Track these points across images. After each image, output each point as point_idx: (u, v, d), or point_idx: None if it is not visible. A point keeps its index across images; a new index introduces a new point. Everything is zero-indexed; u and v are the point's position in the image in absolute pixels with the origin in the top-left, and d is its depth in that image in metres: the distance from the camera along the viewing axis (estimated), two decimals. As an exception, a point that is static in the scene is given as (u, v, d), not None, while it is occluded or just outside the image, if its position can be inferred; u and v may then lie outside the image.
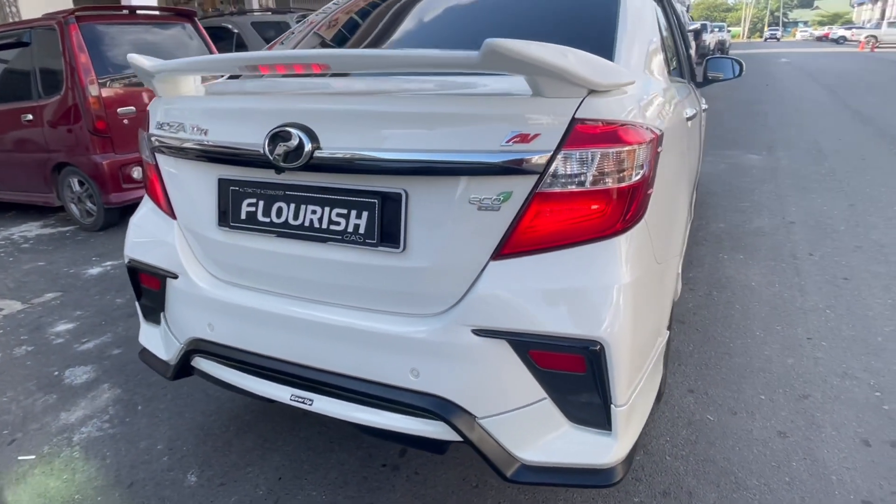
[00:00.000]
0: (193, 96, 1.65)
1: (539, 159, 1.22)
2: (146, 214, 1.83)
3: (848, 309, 2.88)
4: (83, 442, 2.14)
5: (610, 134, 1.23)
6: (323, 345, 1.47)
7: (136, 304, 1.97)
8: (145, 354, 1.94)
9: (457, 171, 1.26)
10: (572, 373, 1.30)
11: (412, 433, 1.43)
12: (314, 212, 1.44)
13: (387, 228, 1.36)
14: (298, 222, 1.46)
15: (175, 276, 1.70)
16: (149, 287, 1.85)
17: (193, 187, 1.62)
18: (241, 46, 6.98)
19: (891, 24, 35.16)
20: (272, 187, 1.48)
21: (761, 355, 2.50)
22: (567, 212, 1.25)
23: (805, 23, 47.58)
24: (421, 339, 1.35)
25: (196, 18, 5.34)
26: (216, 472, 1.96)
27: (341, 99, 1.39)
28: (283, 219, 1.48)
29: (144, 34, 4.94)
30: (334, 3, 2.41)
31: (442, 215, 1.31)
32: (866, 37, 31.83)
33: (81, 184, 4.69)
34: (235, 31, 7.16)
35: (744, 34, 72.95)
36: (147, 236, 1.80)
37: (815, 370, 2.39)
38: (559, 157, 1.22)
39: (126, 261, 1.88)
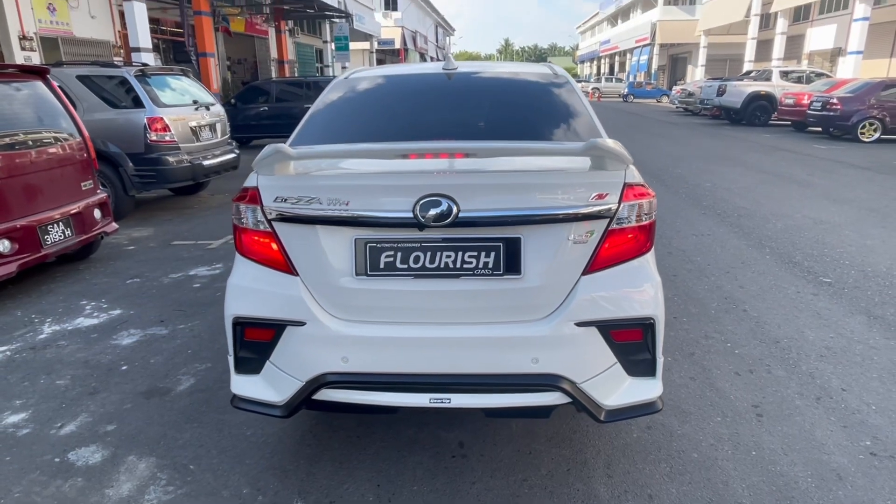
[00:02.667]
0: (324, 175, 2.03)
1: (610, 209, 1.95)
2: (252, 275, 2.09)
3: (686, 295, 4.15)
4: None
5: (643, 191, 2.02)
6: (457, 354, 1.98)
7: (231, 358, 2.17)
8: (241, 401, 2.16)
9: (559, 219, 1.93)
10: (634, 342, 2.04)
11: (532, 404, 2.02)
12: (448, 256, 1.96)
13: (509, 262, 1.95)
14: (434, 265, 1.96)
15: (302, 324, 2.02)
16: (256, 339, 2.10)
17: (325, 248, 1.99)
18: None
19: (607, 79, 44.74)
20: (409, 241, 1.96)
21: (654, 333, 3.55)
22: (624, 240, 2.01)
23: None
24: (540, 336, 1.96)
25: (49, 76, 4.96)
26: (318, 496, 2.23)
27: (473, 175, 1.96)
28: (420, 264, 1.97)
29: (-2, 94, 4.47)
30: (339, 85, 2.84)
31: (549, 249, 1.95)
32: (592, 88, 39.62)
33: (-73, 264, 4.03)
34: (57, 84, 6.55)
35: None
36: (260, 294, 2.07)
37: (689, 336, 3.51)
38: (620, 206, 1.97)
39: (230, 319, 2.10)
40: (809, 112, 14.98)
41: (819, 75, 18.46)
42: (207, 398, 2.93)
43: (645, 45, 43.85)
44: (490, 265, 1.95)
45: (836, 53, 25.03)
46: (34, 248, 4.42)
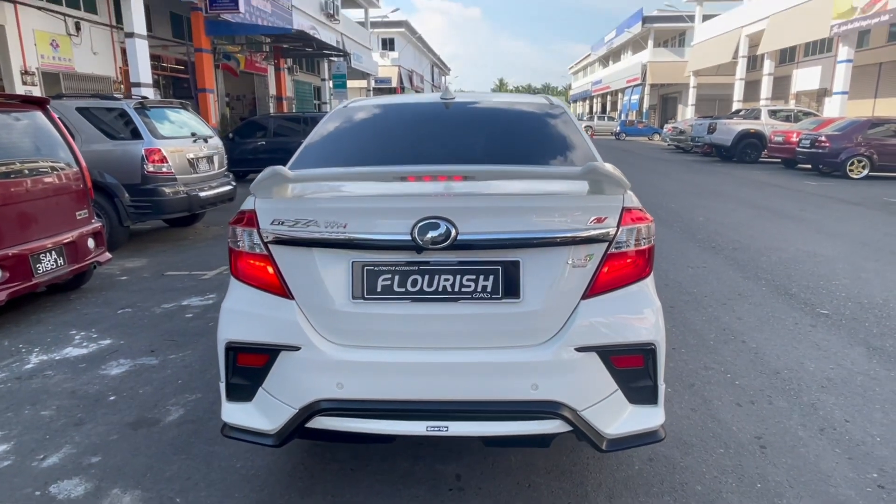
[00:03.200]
0: (322, 198, 2.02)
1: (609, 232, 1.95)
2: (246, 299, 2.06)
3: (684, 326, 4.12)
4: (144, 541, 2.10)
5: (641, 215, 2.02)
6: (455, 380, 1.94)
7: (222, 385, 2.11)
8: (232, 430, 2.09)
9: (558, 243, 1.92)
10: (635, 368, 2.00)
11: (532, 433, 1.96)
12: (447, 280, 1.93)
13: (508, 286, 1.93)
14: (432, 289, 1.94)
15: (296, 349, 1.97)
16: (250, 365, 2.05)
17: (321, 271, 1.96)
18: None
19: (599, 118, 45.77)
20: (407, 265, 1.93)
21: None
22: (624, 265, 1.99)
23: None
24: (539, 361, 1.92)
25: (49, 106, 5.00)
26: (308, 530, 2.14)
27: (471, 198, 1.96)
28: (417, 287, 1.94)
29: (-5, 123, 4.49)
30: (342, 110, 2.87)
31: (548, 273, 1.93)
32: (585, 126, 40.34)
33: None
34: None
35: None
36: (254, 318, 2.03)
37: (688, 368, 3.47)
38: (619, 231, 1.96)
39: (223, 344, 2.06)
40: (798, 149, 15.26)
41: (807, 114, 18.89)
42: (197, 429, 2.85)
43: (636, 85, 44.92)
44: (489, 289, 1.93)
45: (822, 94, 25.68)
46: (25, 276, 4.36)
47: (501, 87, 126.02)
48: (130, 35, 13.86)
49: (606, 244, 1.95)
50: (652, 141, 34.78)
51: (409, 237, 1.88)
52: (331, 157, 2.53)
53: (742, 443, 2.67)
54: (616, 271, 1.98)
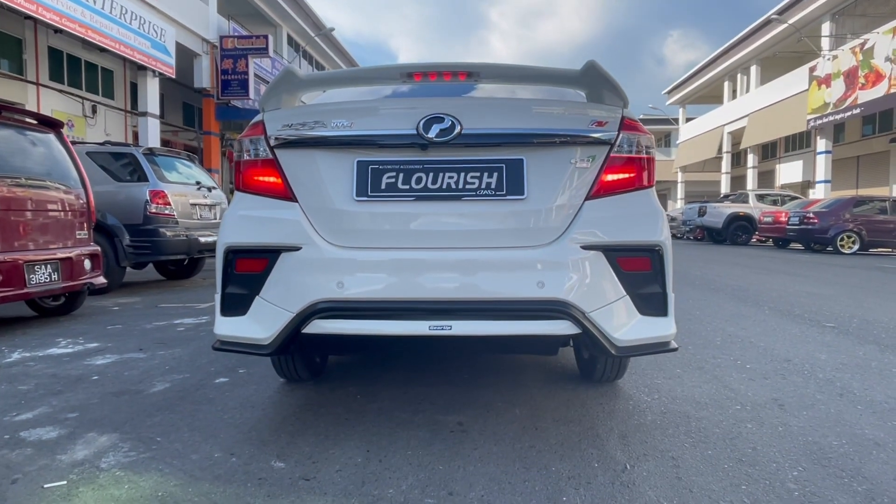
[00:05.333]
0: (329, 100, 2.07)
1: (610, 136, 1.98)
2: (249, 205, 2.05)
3: (689, 333, 4.02)
4: (118, 465, 1.92)
5: (639, 127, 2.07)
6: (460, 279, 1.88)
7: (217, 297, 2.04)
8: (224, 344, 2.00)
9: (561, 142, 1.95)
10: (643, 272, 1.95)
11: (539, 333, 1.88)
12: (451, 177, 1.94)
13: (512, 183, 1.93)
14: (437, 186, 1.93)
15: (297, 249, 1.93)
16: (248, 272, 2.00)
17: (326, 171, 1.97)
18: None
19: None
20: (412, 163, 1.95)
21: (658, 356, 3.39)
22: (626, 170, 2.01)
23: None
24: (545, 259, 1.88)
25: (62, 131, 5.17)
26: (298, 458, 1.97)
27: (475, 97, 2.01)
28: (422, 185, 1.94)
29: (7, 137, 4.63)
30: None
31: (552, 172, 1.94)
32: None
33: None
34: (66, 159, 6.80)
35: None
36: (256, 222, 2.01)
37: (697, 357, 3.35)
38: (620, 136, 2.00)
39: (223, 249, 2.01)
40: (788, 227, 15.60)
41: (793, 198, 19.50)
42: (182, 395, 2.69)
43: (626, 182, 46.52)
44: (493, 186, 1.93)
45: (805, 186, 26.69)
46: (18, 284, 4.29)
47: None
48: (144, 114, 14.61)
49: (608, 147, 1.98)
50: (644, 232, 35.49)
51: (414, 132, 1.91)
52: None
53: (759, 403, 2.53)
54: (618, 176, 2.00)
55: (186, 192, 7.31)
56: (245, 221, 2.03)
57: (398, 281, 1.89)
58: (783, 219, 16.24)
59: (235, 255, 2.00)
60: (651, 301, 1.97)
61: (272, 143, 2.02)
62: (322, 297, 1.89)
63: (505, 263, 1.88)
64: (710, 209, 19.55)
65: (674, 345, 1.97)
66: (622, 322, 1.92)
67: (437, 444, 2.08)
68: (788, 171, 28.02)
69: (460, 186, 1.93)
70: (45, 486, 1.79)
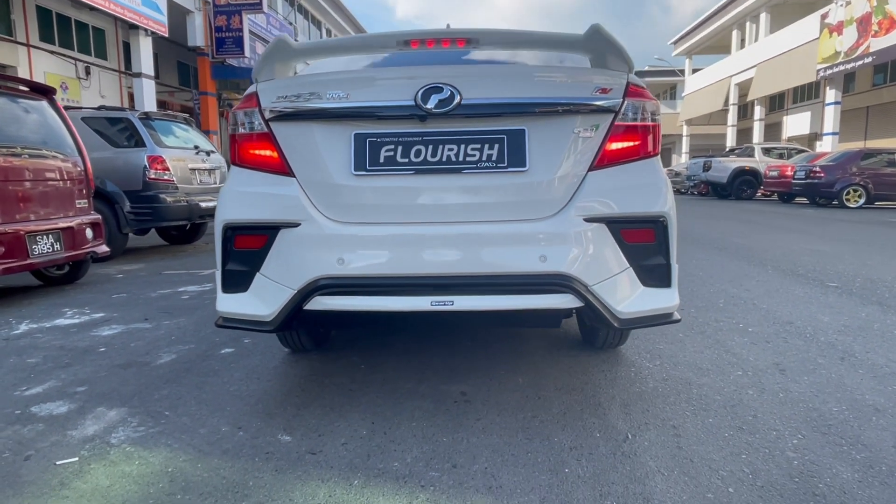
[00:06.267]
0: (325, 70, 2.00)
1: (614, 104, 1.92)
2: (246, 181, 2.01)
3: (691, 295, 4.03)
4: (128, 441, 1.96)
5: (645, 93, 2.00)
6: (461, 253, 1.86)
7: (218, 274, 2.03)
8: (226, 321, 2.00)
9: (563, 111, 1.89)
10: (646, 243, 1.93)
11: (541, 307, 1.87)
12: (451, 149, 1.89)
13: (514, 155, 1.88)
14: (436, 159, 1.89)
15: (296, 225, 1.91)
16: (247, 248, 1.98)
17: (323, 144, 1.92)
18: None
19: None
20: (410, 135, 1.90)
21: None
22: (631, 138, 1.95)
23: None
24: (547, 232, 1.86)
25: (54, 97, 5.08)
26: (305, 431, 2.01)
27: (475, 65, 1.94)
28: (421, 158, 1.89)
29: (2, 106, 4.55)
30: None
31: (554, 142, 1.90)
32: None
33: None
34: (61, 125, 6.70)
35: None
36: (253, 198, 1.97)
37: (699, 321, 3.36)
38: (625, 103, 1.94)
39: (221, 226, 1.99)
40: (794, 182, 15.43)
41: (799, 151, 19.22)
42: (188, 367, 2.72)
43: (630, 137, 45.87)
44: (494, 158, 1.89)
45: (813, 138, 26.27)
46: (21, 255, 4.30)
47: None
48: (138, 75, 14.32)
49: (612, 115, 1.93)
50: (648, 187, 35.16)
51: (412, 102, 1.85)
52: None
53: (760, 368, 2.55)
54: (623, 144, 1.95)
55: (185, 157, 7.23)
56: (243, 197, 1.99)
57: (399, 256, 1.87)
58: (789, 173, 16.06)
59: (234, 231, 1.98)
60: (654, 272, 1.95)
61: (267, 115, 1.97)
62: (323, 273, 1.88)
63: (506, 237, 1.86)
64: (716, 164, 19.32)
65: (677, 316, 1.97)
66: (625, 294, 1.91)
67: (441, 416, 2.10)
68: (796, 123, 27.53)
69: (460, 159, 1.89)
70: (58, 462, 1.83)
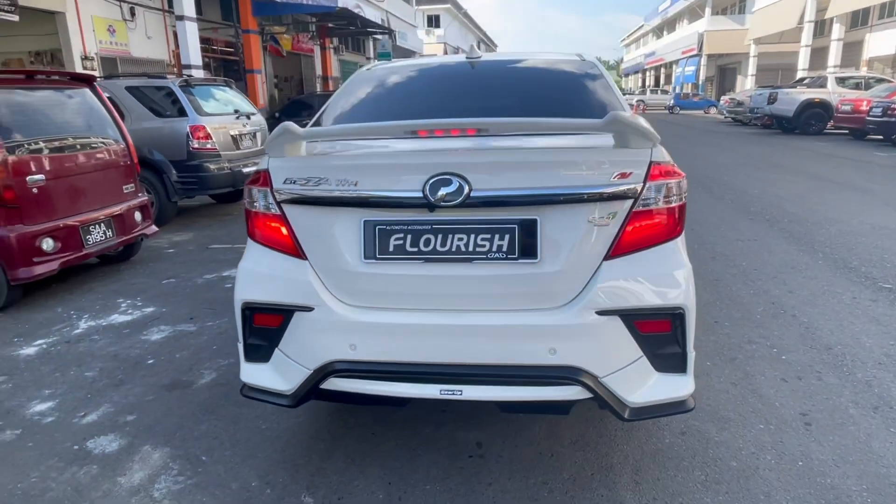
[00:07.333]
0: (333, 155, 1.97)
1: (634, 189, 1.82)
2: (261, 260, 2.05)
3: (730, 299, 3.91)
4: (169, 495, 2.16)
5: (671, 170, 1.88)
6: (470, 344, 1.87)
7: (240, 345, 2.13)
8: (250, 390, 2.11)
9: (578, 200, 1.81)
10: (662, 333, 1.88)
11: (550, 399, 1.88)
12: (460, 239, 1.86)
13: (525, 245, 1.84)
14: (446, 248, 1.87)
15: (310, 309, 1.95)
16: (265, 325, 2.05)
17: (333, 230, 1.92)
18: (117, 112, 6.68)
19: (652, 92, 44.12)
20: (419, 224, 1.87)
21: (692, 337, 3.34)
22: (651, 223, 1.86)
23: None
24: (558, 325, 1.83)
25: (95, 84, 5.16)
26: (326, 491, 2.15)
27: (486, 153, 1.87)
28: (430, 247, 1.87)
29: (47, 98, 4.68)
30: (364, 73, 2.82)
31: (567, 232, 1.83)
32: (637, 101, 38.96)
33: (-24, 261, 4.21)
34: (106, 94, 6.84)
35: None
36: (269, 279, 2.02)
37: (730, 342, 3.28)
38: (646, 187, 1.83)
39: (240, 304, 2.06)
40: (869, 119, 14.22)
41: (879, 81, 17.54)
42: (227, 392, 2.90)
43: (692, 56, 42.92)
44: (504, 249, 1.85)
45: (897, 59, 23.82)
46: (76, 247, 4.55)
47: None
48: (181, 18, 14.22)
49: (632, 201, 1.83)
50: (708, 114, 33.21)
51: (420, 194, 1.81)
52: (350, 117, 2.49)
53: (785, 419, 2.51)
54: (642, 230, 1.86)
55: (226, 124, 7.30)
56: (258, 278, 2.04)
57: (408, 345, 1.90)
58: (864, 108, 14.78)
59: (252, 310, 2.05)
60: (669, 360, 1.91)
61: (278, 197, 1.97)
62: (336, 357, 1.94)
63: (515, 328, 1.85)
64: (782, 95, 17.95)
65: (691, 404, 1.94)
66: (637, 384, 1.89)
67: (454, 476, 2.20)
68: (879, 42, 24.94)
69: (470, 249, 1.86)
70: (108, 521, 2.04)
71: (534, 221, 1.83)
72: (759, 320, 3.58)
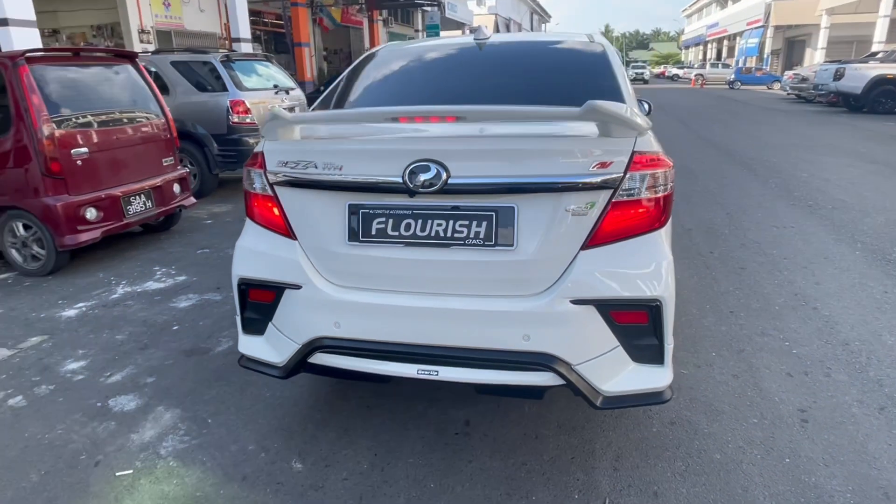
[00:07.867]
0: (322, 140, 2.04)
1: (614, 178, 1.81)
2: (256, 239, 2.16)
3: (750, 289, 3.80)
4: (173, 453, 2.33)
5: (655, 161, 1.85)
6: (447, 326, 1.93)
7: (238, 318, 2.25)
8: (247, 361, 2.24)
9: (557, 189, 1.81)
10: (638, 324, 1.88)
11: (522, 383, 1.92)
12: (439, 224, 1.90)
13: (502, 233, 1.86)
14: (425, 234, 1.92)
15: (298, 287, 2.05)
16: (259, 301, 2.16)
17: (320, 213, 2.00)
18: (163, 87, 6.96)
19: (713, 65, 41.97)
20: (401, 208, 1.92)
21: (702, 326, 3.28)
22: (631, 214, 1.85)
23: (644, 62, 55.07)
24: (532, 312, 1.86)
25: (137, 59, 5.39)
26: (316, 458, 2.27)
27: (464, 140, 1.89)
28: (410, 232, 1.93)
29: (91, 74, 4.94)
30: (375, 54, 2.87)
31: (545, 220, 1.84)
32: (696, 75, 37.29)
33: (27, 227, 4.54)
34: (153, 69, 7.12)
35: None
36: (262, 257, 2.13)
37: (742, 333, 3.21)
38: (626, 177, 1.81)
39: (236, 279, 2.18)
40: (945, 97, 13.16)
41: (963, 56, 16.15)
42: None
43: (757, 28, 40.55)
44: (482, 235, 1.88)
45: None
46: (117, 216, 4.83)
47: (606, 34, 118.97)
48: (231, -9, 14.47)
49: (611, 191, 1.82)
50: (770, 90, 31.47)
51: (400, 180, 1.86)
52: (350, 99, 2.54)
53: (781, 415, 2.46)
54: (621, 221, 1.85)
55: (266, 99, 7.48)
56: (253, 256, 2.15)
57: (388, 325, 1.98)
58: (942, 86, 13.67)
59: (247, 286, 2.16)
60: (646, 351, 1.91)
61: (271, 179, 2.06)
62: (321, 333, 2.03)
63: (491, 314, 1.89)
64: (850, 71, 16.79)
65: (668, 395, 1.94)
66: (612, 373, 1.91)
67: (438, 452, 2.28)
68: (969, 13, 22.84)
69: (448, 235, 1.90)
70: (117, 474, 2.23)
71: (511, 209, 1.85)
72: (777, 312, 3.47)
